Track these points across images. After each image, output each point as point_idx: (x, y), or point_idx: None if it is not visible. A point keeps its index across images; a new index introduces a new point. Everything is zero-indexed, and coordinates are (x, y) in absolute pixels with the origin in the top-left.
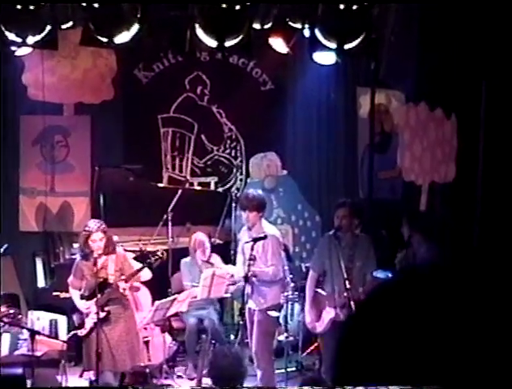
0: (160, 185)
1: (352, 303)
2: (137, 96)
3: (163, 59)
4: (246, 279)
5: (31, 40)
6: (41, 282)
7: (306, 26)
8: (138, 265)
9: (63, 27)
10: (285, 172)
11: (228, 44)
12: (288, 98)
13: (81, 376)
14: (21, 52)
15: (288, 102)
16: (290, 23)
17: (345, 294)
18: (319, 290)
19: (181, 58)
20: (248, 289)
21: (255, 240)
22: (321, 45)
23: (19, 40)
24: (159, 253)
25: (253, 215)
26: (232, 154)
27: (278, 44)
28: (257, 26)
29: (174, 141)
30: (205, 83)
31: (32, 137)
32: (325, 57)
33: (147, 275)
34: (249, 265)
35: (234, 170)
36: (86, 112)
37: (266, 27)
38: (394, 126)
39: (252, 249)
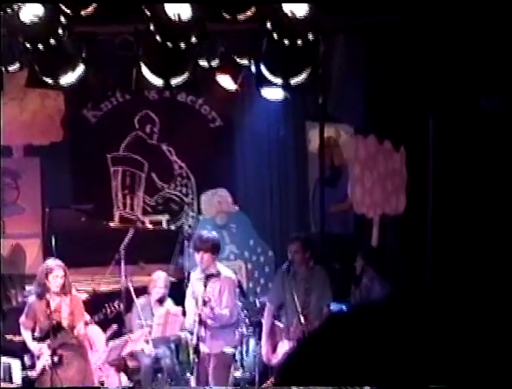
0: (112, 224)
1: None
2: (86, 135)
3: (111, 98)
4: (200, 322)
5: None
6: None
7: (252, 62)
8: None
9: (10, 69)
10: (237, 208)
11: (174, 82)
12: (237, 134)
13: None
14: None
15: (237, 138)
16: (237, 59)
17: (300, 327)
18: (276, 322)
19: (129, 97)
20: (201, 332)
21: (208, 276)
22: (268, 81)
23: None
24: (115, 305)
25: (208, 256)
26: (183, 191)
27: (225, 81)
28: (204, 63)
29: (124, 180)
30: (154, 121)
31: None
32: (273, 93)
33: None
34: (202, 306)
35: (185, 207)
36: (35, 153)
37: (213, 64)
38: (344, 160)
39: (205, 287)
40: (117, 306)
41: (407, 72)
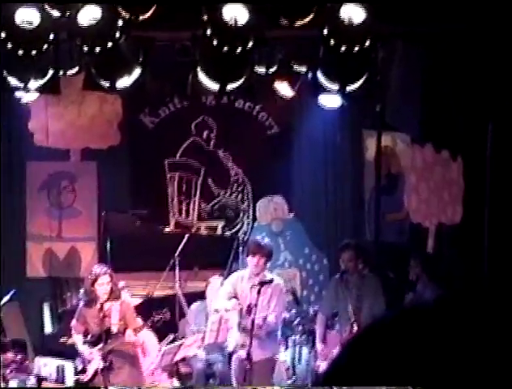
0: (167, 229)
1: None
2: (143, 140)
3: (168, 104)
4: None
5: (33, 85)
6: (48, 328)
7: (310, 69)
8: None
9: (69, 73)
10: (292, 215)
11: (229, 87)
12: (294, 141)
13: None
14: (26, 98)
15: (294, 145)
16: (294, 66)
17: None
18: (330, 331)
19: (186, 103)
20: (245, 340)
21: (262, 283)
22: (325, 88)
23: (20, 85)
24: (163, 313)
25: (263, 261)
26: (239, 198)
27: (283, 88)
28: (261, 70)
29: (181, 185)
30: (211, 127)
31: (39, 183)
32: (330, 101)
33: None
34: (249, 312)
35: (241, 214)
36: (92, 157)
37: (270, 71)
38: (401, 168)
39: (258, 293)
40: (167, 313)
41: (465, 81)
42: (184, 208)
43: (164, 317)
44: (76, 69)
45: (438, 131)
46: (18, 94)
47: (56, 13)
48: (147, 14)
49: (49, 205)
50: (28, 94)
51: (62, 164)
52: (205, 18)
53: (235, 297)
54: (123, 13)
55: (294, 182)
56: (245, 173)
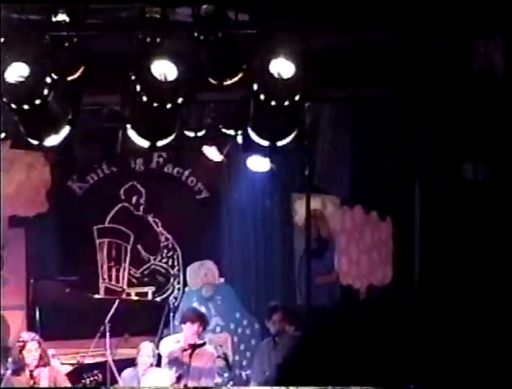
0: (97, 296)
1: None
2: (71, 207)
3: (97, 170)
4: None
5: None
6: None
7: (238, 132)
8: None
9: None
10: (222, 280)
11: (159, 144)
12: (223, 205)
13: None
14: None
15: (223, 209)
16: (223, 129)
17: None
18: None
19: (115, 169)
20: None
21: (195, 347)
22: (254, 151)
23: None
24: (94, 374)
25: (200, 329)
26: (169, 263)
27: (212, 152)
28: (190, 134)
29: (110, 251)
30: (140, 192)
31: None
32: (259, 164)
33: None
34: (179, 378)
35: (171, 279)
36: (20, 224)
37: (199, 134)
38: (331, 231)
39: (190, 358)
40: (97, 377)
41: (392, 143)
42: (114, 274)
43: (95, 379)
44: (3, 135)
45: (367, 192)
46: None
47: None
48: (76, 75)
49: None
50: None
51: None
52: (134, 74)
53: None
54: (51, 72)
55: (224, 247)
56: (175, 238)
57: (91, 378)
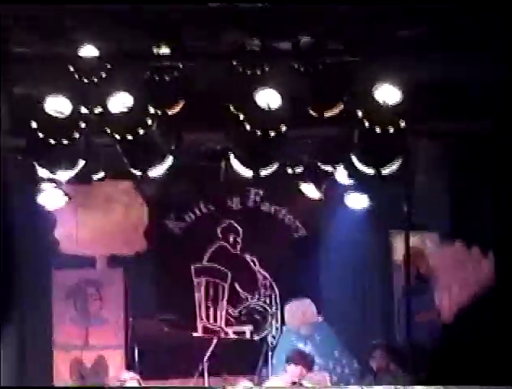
0: (195, 334)
1: None
2: (169, 246)
3: (194, 209)
4: None
5: (63, 175)
6: None
7: (336, 169)
8: None
9: (94, 178)
10: (321, 318)
11: (263, 173)
12: (321, 244)
13: None
14: (53, 205)
15: (321, 248)
16: (321, 166)
17: None
18: None
19: (212, 207)
20: None
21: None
22: (352, 188)
23: (51, 175)
24: None
25: (305, 371)
26: (267, 302)
27: (309, 189)
28: (288, 171)
29: (208, 290)
30: (237, 231)
31: (65, 290)
32: (357, 201)
33: None
34: None
35: (269, 318)
36: (119, 264)
37: (297, 171)
38: (430, 268)
39: None
40: None
41: (494, 177)
42: (211, 313)
43: None
44: (102, 174)
45: (468, 228)
46: (46, 187)
47: (85, 104)
48: (176, 109)
49: (75, 313)
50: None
51: (89, 272)
52: (237, 103)
53: None
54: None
55: (322, 285)
56: (273, 277)
57: None
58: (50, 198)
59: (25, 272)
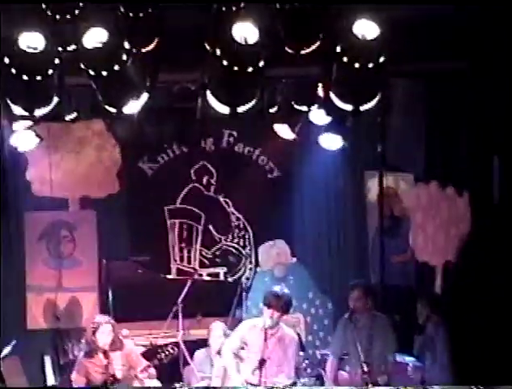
0: (169, 276)
1: (369, 386)
2: (142, 188)
3: (167, 150)
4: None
5: (38, 112)
6: (51, 380)
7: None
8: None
9: (67, 118)
10: (295, 259)
11: (240, 110)
12: (295, 184)
13: None
14: (24, 147)
15: (295, 188)
16: (295, 106)
17: (363, 376)
18: (341, 372)
19: (185, 149)
20: None
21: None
22: (325, 129)
23: (25, 113)
24: (169, 348)
25: (279, 314)
26: (241, 243)
27: (283, 130)
28: (263, 111)
29: (182, 232)
30: (211, 172)
31: (38, 233)
32: (331, 141)
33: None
34: (260, 368)
35: (243, 259)
36: (91, 206)
37: (271, 111)
38: (404, 209)
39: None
40: (171, 350)
41: (469, 116)
42: (185, 255)
43: (171, 353)
44: (74, 115)
45: (443, 168)
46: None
47: (60, 38)
48: (150, 47)
49: (48, 255)
50: (29, 131)
51: (61, 214)
52: (213, 39)
53: (243, 348)
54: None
55: (296, 226)
56: (247, 218)
57: (167, 352)
58: (22, 139)
59: None
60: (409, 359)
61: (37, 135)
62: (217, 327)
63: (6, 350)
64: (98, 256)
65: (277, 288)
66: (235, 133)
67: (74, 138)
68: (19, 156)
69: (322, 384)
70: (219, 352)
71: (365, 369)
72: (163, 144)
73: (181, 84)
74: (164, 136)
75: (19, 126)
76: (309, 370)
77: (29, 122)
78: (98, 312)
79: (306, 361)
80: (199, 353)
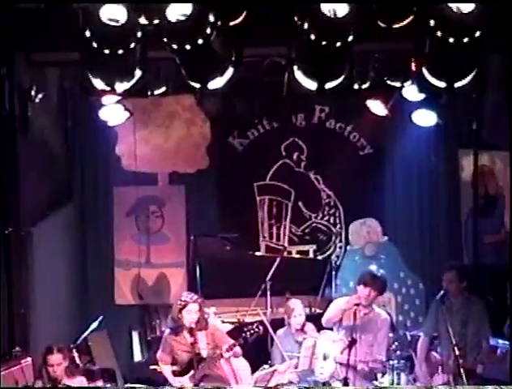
0: (258, 253)
1: (462, 371)
2: (232, 163)
3: (258, 126)
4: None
5: (119, 87)
6: (138, 356)
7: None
8: (229, 338)
9: (156, 93)
10: (386, 238)
11: (328, 85)
12: (387, 162)
13: None
14: (114, 121)
15: (387, 166)
16: (388, 82)
17: (456, 360)
18: (433, 353)
19: (276, 124)
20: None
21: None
22: (419, 105)
23: (107, 87)
24: (254, 327)
25: (375, 294)
26: (331, 221)
27: (376, 106)
28: (355, 86)
29: (271, 209)
30: (301, 148)
31: (126, 208)
32: (425, 118)
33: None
34: (350, 349)
35: (333, 237)
36: (180, 181)
37: (363, 87)
38: (500, 188)
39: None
40: (258, 329)
41: None
42: (274, 232)
43: (256, 331)
44: (163, 89)
45: None
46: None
47: (142, 10)
48: (238, 20)
49: (136, 230)
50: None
51: (150, 189)
52: (301, 13)
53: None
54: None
55: (387, 204)
56: (337, 196)
57: (252, 331)
58: (111, 113)
59: (88, 190)
60: (502, 342)
61: (126, 109)
62: (295, 304)
63: (94, 325)
64: (186, 232)
65: (373, 268)
66: (326, 108)
67: (163, 113)
68: (108, 131)
69: (412, 366)
70: (301, 330)
71: (457, 353)
72: (253, 119)
73: (270, 58)
74: (254, 111)
75: (109, 101)
76: (398, 352)
77: (117, 97)
78: (186, 289)
79: (396, 343)
80: (280, 332)
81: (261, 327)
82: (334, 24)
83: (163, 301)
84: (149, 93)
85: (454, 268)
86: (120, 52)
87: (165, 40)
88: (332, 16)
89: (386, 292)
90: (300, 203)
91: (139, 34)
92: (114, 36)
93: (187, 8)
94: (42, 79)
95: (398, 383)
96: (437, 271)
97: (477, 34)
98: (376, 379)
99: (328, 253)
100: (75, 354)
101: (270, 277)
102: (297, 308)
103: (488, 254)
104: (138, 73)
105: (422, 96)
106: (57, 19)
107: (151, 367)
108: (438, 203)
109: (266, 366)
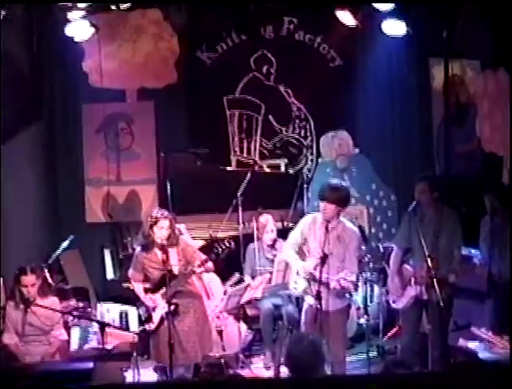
0: (229, 168)
1: (435, 281)
2: (201, 78)
3: (226, 39)
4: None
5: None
6: (110, 274)
7: None
8: (200, 254)
9: (122, 7)
10: (357, 150)
11: None
12: (357, 73)
13: (155, 371)
14: (79, 37)
15: (357, 78)
16: None
17: (428, 271)
18: (405, 265)
19: (244, 37)
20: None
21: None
22: (391, 14)
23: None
24: (226, 242)
25: (332, 208)
26: (302, 134)
27: (345, 16)
28: None
29: (241, 123)
30: (271, 61)
31: (95, 125)
32: (394, 28)
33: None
34: (322, 264)
35: (304, 151)
36: (149, 97)
37: None
38: (471, 97)
39: (325, 239)
40: (228, 244)
41: None
42: (245, 146)
43: (228, 247)
44: (129, 4)
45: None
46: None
47: None
48: None
49: (106, 148)
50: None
51: (119, 105)
52: None
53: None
54: None
55: (359, 116)
56: (308, 108)
57: (224, 247)
58: (77, 29)
59: (56, 108)
60: (475, 252)
61: (92, 25)
62: (267, 219)
63: (65, 244)
64: (156, 149)
65: (335, 181)
66: (295, 20)
67: (130, 28)
68: (75, 47)
69: (385, 278)
70: (272, 245)
71: (430, 264)
72: (221, 32)
73: None
74: (222, 24)
75: (74, 16)
76: (371, 265)
77: (83, 12)
78: (157, 205)
79: (369, 255)
80: (251, 247)
81: (232, 243)
82: None
83: (134, 218)
84: (114, 8)
85: (425, 179)
86: None
87: None
88: None
89: (348, 205)
90: (270, 117)
91: None
92: None
93: None
94: None
95: (372, 295)
96: (408, 182)
97: None
98: (351, 295)
99: (299, 166)
100: (47, 274)
101: (241, 192)
102: (269, 224)
103: (460, 164)
104: None
105: (392, 5)
106: None
107: (124, 285)
108: (410, 114)
109: (236, 274)
